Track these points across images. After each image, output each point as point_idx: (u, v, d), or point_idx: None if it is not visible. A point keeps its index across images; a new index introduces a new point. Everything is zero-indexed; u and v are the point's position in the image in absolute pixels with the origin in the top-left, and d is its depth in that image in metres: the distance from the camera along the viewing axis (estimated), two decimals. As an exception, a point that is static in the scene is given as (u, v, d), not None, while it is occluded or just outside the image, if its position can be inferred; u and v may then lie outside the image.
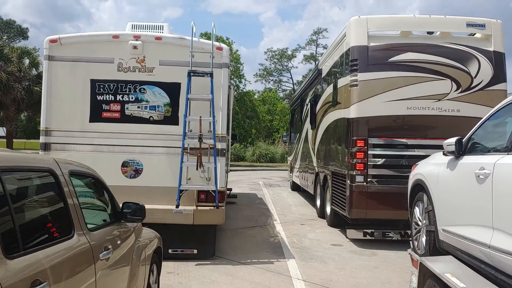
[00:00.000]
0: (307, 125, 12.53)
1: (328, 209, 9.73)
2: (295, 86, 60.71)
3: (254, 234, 8.40)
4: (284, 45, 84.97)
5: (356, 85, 7.48)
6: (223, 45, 6.61)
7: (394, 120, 7.46)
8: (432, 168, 4.63)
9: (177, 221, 6.33)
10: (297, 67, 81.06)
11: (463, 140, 4.11)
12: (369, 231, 7.76)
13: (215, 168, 6.17)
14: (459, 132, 7.58)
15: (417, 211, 5.06)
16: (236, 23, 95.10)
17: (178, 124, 6.43)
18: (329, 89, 9.34)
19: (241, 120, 34.13)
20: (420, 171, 4.95)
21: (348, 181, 7.55)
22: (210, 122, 6.27)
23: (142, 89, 6.49)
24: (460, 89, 7.36)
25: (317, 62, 11.40)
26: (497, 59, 7.42)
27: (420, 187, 4.88)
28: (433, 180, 4.49)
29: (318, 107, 10.66)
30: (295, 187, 16.54)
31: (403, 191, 7.34)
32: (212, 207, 6.28)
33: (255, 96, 44.70)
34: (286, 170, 27.17)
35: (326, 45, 58.98)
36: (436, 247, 4.46)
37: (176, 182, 6.17)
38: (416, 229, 5.11)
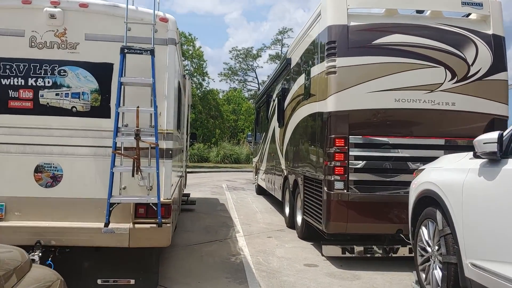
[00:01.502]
0: (274, 123, 11.22)
1: (299, 219, 8.43)
2: (260, 86, 59.62)
3: (212, 251, 6.98)
4: (250, 45, 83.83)
5: (334, 72, 6.20)
6: (169, 15, 5.16)
7: (380, 114, 6.23)
8: (451, 176, 3.40)
9: (108, 243, 4.85)
10: (262, 67, 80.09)
11: (504, 136, 2.84)
12: (348, 247, 6.49)
13: (157, 173, 4.72)
14: (456, 130, 6.44)
15: (424, 232, 3.82)
16: (201, 23, 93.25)
17: (110, 117, 4.94)
18: (300, 80, 8.05)
19: (204, 120, 32.53)
20: (431, 179, 3.71)
21: (325, 188, 6.26)
22: (151, 114, 4.82)
23: (62, 71, 4.96)
24: (456, 79, 6.21)
25: (285, 52, 10.12)
26: (496, 44, 6.32)
27: (430, 200, 3.65)
28: (454, 192, 3.25)
29: (287, 102, 9.37)
30: (260, 190, 15.24)
31: (390, 200, 6.16)
32: (154, 225, 4.83)
33: (220, 96, 43.22)
34: (251, 172, 25.97)
35: (287, 50, 58.23)
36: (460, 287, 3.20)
37: (107, 193, 4.70)
38: (423, 256, 3.85)
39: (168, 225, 4.92)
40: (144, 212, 4.90)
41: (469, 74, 6.21)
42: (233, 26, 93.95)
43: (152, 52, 4.79)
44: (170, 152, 5.03)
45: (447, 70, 6.18)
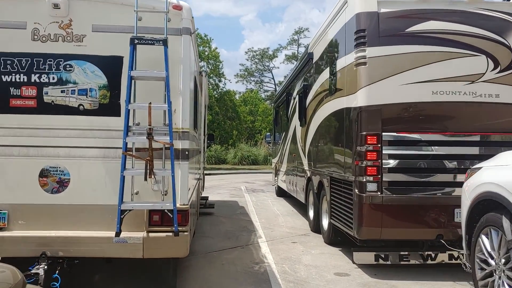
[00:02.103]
0: (295, 121, 10.69)
1: (325, 223, 7.89)
2: (277, 86, 59.13)
3: (234, 259, 6.49)
4: (265, 47, 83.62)
5: (365, 64, 5.66)
6: (182, 2, 4.70)
7: (416, 108, 5.66)
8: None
9: (120, 254, 4.41)
10: (278, 68, 79.65)
11: None
12: (382, 253, 5.93)
13: (173, 176, 4.25)
14: (500, 124, 5.84)
15: (485, 242, 3.28)
16: (216, 25, 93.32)
17: (120, 115, 4.51)
18: (325, 75, 7.52)
19: (221, 121, 32.19)
20: (491, 179, 3.16)
21: (356, 190, 5.71)
22: (164, 111, 4.36)
23: (68, 65, 4.55)
24: (499, 68, 5.60)
25: (306, 46, 9.60)
26: (545, 28, 5.69)
27: (492, 204, 3.08)
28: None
29: (309, 99, 8.83)
30: (281, 192, 14.72)
31: (428, 203, 5.59)
32: (170, 233, 4.36)
33: (236, 97, 42.86)
34: (270, 173, 25.42)
35: (308, 45, 57.61)
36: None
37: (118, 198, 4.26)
38: (483, 270, 3.30)
39: (185, 233, 4.45)
40: (159, 220, 4.44)
41: (515, 63, 5.60)
42: (249, 27, 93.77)
43: (165, 42, 4.33)
44: (187, 152, 4.56)
45: (489, 59, 5.58)
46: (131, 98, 4.32)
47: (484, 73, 5.57)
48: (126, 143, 4.25)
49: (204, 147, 11.12)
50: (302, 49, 57.71)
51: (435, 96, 5.58)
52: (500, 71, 5.58)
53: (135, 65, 4.37)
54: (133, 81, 4.35)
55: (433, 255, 5.89)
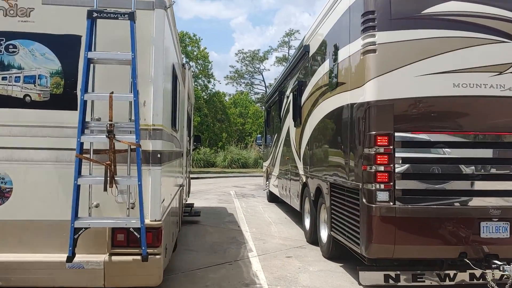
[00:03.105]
0: (289, 122, 9.84)
1: (323, 235, 7.02)
2: (267, 88, 58.38)
3: (220, 279, 5.59)
4: (256, 49, 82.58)
5: (374, 51, 4.82)
6: (156, -31, 3.81)
7: (434, 104, 4.81)
8: None
9: (76, 282, 3.51)
10: (269, 70, 78.79)
11: None
12: (392, 273, 5.06)
13: (140, 186, 3.35)
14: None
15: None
16: (206, 28, 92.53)
17: (77, 109, 3.60)
18: (324, 68, 6.67)
19: (211, 123, 31.22)
20: None
21: (364, 200, 4.85)
22: (130, 103, 3.46)
23: (11, 46, 3.64)
24: (531, 57, 4.79)
25: (302, 39, 8.76)
26: None
27: None
28: None
29: (306, 97, 7.98)
30: (272, 198, 13.85)
31: (450, 215, 4.75)
32: (138, 257, 3.46)
33: (226, 99, 41.96)
34: (261, 176, 24.50)
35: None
36: None
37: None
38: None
39: (157, 257, 3.56)
40: (125, 240, 3.55)
41: (548, 51, 4.80)
42: (239, 30, 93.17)
43: (131, 16, 3.44)
44: (159, 155, 3.66)
45: (519, 46, 4.77)
46: (88, 86, 3.42)
47: (513, 63, 4.75)
48: (81, 143, 3.36)
49: (189, 150, 10.21)
50: (293, 52, 57.15)
51: (457, 90, 4.74)
52: (532, 61, 4.77)
53: (94, 45, 3.47)
54: (91, 64, 3.44)
55: (451, 275, 5.04)
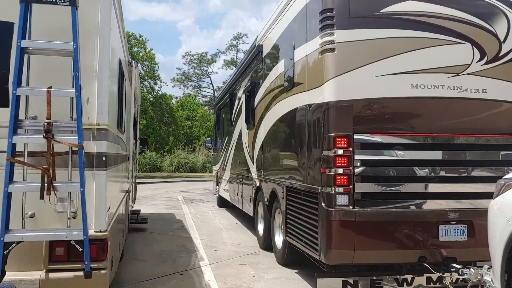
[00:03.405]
0: (241, 124, 9.60)
1: (278, 240, 6.82)
2: (215, 92, 57.96)
3: (170, 291, 5.23)
4: (204, 51, 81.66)
5: (333, 50, 4.67)
6: (101, -50, 3.43)
7: (393, 105, 4.74)
8: None
9: (5, 305, 3.03)
10: (217, 73, 78.44)
11: None
12: (351, 279, 4.92)
13: (82, 192, 2.96)
14: (487, 124, 5.05)
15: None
16: (153, 30, 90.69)
17: (9, 105, 3.14)
18: (278, 68, 6.48)
19: (157, 126, 30.35)
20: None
21: (323, 204, 4.68)
22: (72, 99, 3.06)
23: None
24: (485, 59, 4.84)
25: (255, 39, 8.56)
26: (531, 17, 5.02)
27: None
28: None
29: (259, 98, 7.77)
30: (222, 203, 13.52)
31: (410, 218, 4.68)
32: (80, 272, 3.05)
33: (173, 101, 41.07)
34: (209, 181, 24.02)
35: (246, 50, 57.28)
36: None
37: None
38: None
39: (103, 271, 3.17)
40: (64, 254, 3.13)
41: (501, 54, 4.87)
42: (186, 33, 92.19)
43: (73, 1, 3.04)
44: (104, 158, 3.27)
45: (474, 48, 4.80)
46: (22, 79, 2.98)
47: (469, 64, 4.77)
48: (14, 145, 2.91)
49: (135, 153, 9.70)
50: (241, 55, 57.14)
51: (415, 91, 4.69)
52: (486, 62, 4.81)
53: (29, 34, 3.04)
54: (25, 55, 3.01)
55: (409, 279, 4.96)
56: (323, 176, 4.69)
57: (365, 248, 4.60)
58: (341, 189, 4.57)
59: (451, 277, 4.61)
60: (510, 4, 4.97)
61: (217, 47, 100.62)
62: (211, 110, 56.12)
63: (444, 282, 4.72)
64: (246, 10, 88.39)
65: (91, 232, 3.05)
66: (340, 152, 4.58)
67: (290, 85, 5.84)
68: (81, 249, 2.91)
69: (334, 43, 4.65)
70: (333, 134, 4.59)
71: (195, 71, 57.42)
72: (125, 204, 6.03)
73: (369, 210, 4.59)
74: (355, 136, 4.61)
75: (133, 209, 9.70)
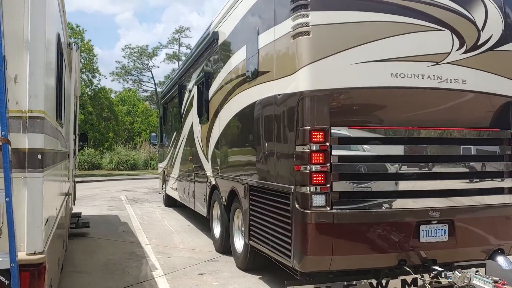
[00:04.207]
0: (192, 118, 8.93)
1: (238, 244, 6.27)
2: (157, 86, 56.20)
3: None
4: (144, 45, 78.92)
5: (307, 33, 4.16)
6: None
7: (372, 96, 4.32)
8: None
9: None
10: (158, 67, 76.22)
11: None
12: (323, 285, 4.46)
13: (8, 203, 2.23)
14: (470, 118, 4.75)
15: None
16: (90, 22, 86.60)
17: None
18: (239, 56, 5.90)
19: (95, 122, 28.63)
20: None
21: (297, 205, 4.17)
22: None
23: None
24: (465, 47, 4.54)
25: (209, 26, 7.90)
26: (506, 6, 4.80)
27: None
28: None
29: (214, 90, 7.15)
30: (170, 202, 12.76)
31: (391, 219, 4.30)
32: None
33: (112, 96, 39.13)
34: (153, 179, 22.97)
35: (189, 44, 56.09)
36: None
37: None
38: None
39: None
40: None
41: (480, 42, 4.59)
42: (125, 26, 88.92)
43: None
44: (40, 156, 2.54)
45: (454, 36, 4.49)
46: None
47: (449, 53, 4.45)
48: None
49: (75, 150, 8.74)
50: (183, 49, 55.79)
51: (395, 80, 4.30)
52: (466, 51, 4.51)
53: None
54: None
55: (384, 283, 4.60)
56: (297, 174, 4.18)
57: (343, 253, 4.16)
58: (317, 189, 4.09)
59: (430, 280, 4.28)
60: (487, -10, 4.71)
61: (157, 41, 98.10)
62: (152, 106, 54.39)
63: (423, 282, 4.39)
64: (187, 4, 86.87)
65: (22, 255, 2.32)
66: (316, 147, 4.10)
67: (253, 74, 5.29)
68: (6, 282, 2.18)
69: (308, 26, 4.15)
70: (308, 127, 4.09)
71: (135, 64, 55.30)
72: (65, 209, 5.20)
73: (347, 211, 4.15)
74: (332, 130, 4.15)
75: (73, 212, 8.73)
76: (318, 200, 4.09)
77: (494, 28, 4.66)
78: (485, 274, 4.36)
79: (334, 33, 4.20)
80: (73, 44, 5.59)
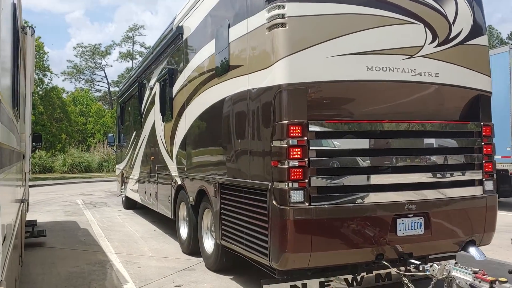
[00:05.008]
0: (154, 117, 8.64)
1: (208, 244, 6.09)
2: (110, 86, 54.67)
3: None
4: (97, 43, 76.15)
5: (283, 25, 4.04)
6: None
7: (348, 89, 4.27)
8: None
9: None
10: (112, 66, 74.02)
11: None
12: (299, 283, 4.37)
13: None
14: (443, 110, 4.78)
15: None
16: (38, 21, 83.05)
17: None
18: (207, 51, 5.70)
19: (47, 123, 27.33)
20: None
21: (274, 202, 4.05)
22: None
23: None
24: (437, 41, 4.57)
25: (172, 21, 7.63)
26: (475, 0, 4.89)
27: None
28: None
29: (179, 87, 6.91)
30: (130, 204, 12.34)
31: (368, 213, 4.26)
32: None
33: (64, 95, 37.58)
34: (109, 181, 22.23)
35: (143, 43, 54.82)
36: None
37: None
38: None
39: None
40: None
41: (451, 36, 4.64)
42: (75, 26, 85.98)
43: None
44: None
45: (427, 29, 4.51)
46: None
47: (422, 46, 4.46)
48: None
49: (29, 152, 8.19)
50: (137, 47, 54.57)
51: (371, 73, 4.26)
52: (438, 45, 4.54)
53: None
54: None
55: (358, 278, 4.58)
56: (274, 170, 4.06)
57: (322, 250, 4.08)
58: (295, 184, 3.98)
59: (405, 273, 4.28)
60: (456, -15, 4.77)
61: (109, 40, 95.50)
62: (106, 106, 52.77)
63: (399, 276, 4.37)
64: (140, 3, 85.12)
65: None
66: (294, 142, 3.99)
67: (224, 68, 5.11)
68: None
69: (285, 17, 4.03)
70: (286, 121, 3.98)
71: (87, 64, 53.70)
72: (21, 219, 4.76)
73: (326, 206, 4.07)
74: (310, 124, 4.06)
75: (27, 219, 8.16)
76: (297, 196, 3.99)
77: (464, 22, 4.73)
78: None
79: (311, 25, 4.11)
80: (28, 28, 5.05)
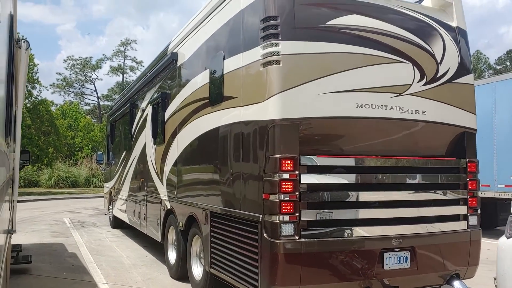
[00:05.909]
0: (145, 138, 8.68)
1: (197, 271, 6.10)
2: (100, 100, 54.48)
3: None
4: (88, 56, 76.17)
5: (277, 62, 4.17)
6: None
7: (339, 125, 4.40)
8: None
9: None
10: (102, 80, 74.00)
11: None
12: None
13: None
14: (429, 147, 4.95)
15: None
16: (28, 33, 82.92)
17: None
18: (202, 79, 5.81)
19: (34, 136, 27.07)
20: None
21: (265, 235, 4.12)
22: None
23: None
24: (425, 80, 4.74)
25: (167, 45, 7.74)
26: (462, 40, 5.09)
27: None
28: None
29: (172, 111, 6.99)
30: (117, 223, 12.24)
31: (357, 247, 4.35)
32: None
33: (53, 109, 37.33)
34: (96, 197, 22.02)
35: (135, 57, 54.95)
36: None
37: None
38: None
39: None
40: None
41: (438, 75, 4.82)
42: (66, 38, 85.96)
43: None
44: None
45: (415, 68, 4.68)
46: None
47: (411, 85, 4.63)
48: None
49: (17, 175, 7.97)
50: (128, 62, 54.70)
51: (360, 110, 4.40)
52: (426, 83, 4.72)
53: None
54: None
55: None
56: (266, 202, 4.14)
57: (311, 283, 4.14)
58: (286, 218, 4.07)
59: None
60: (444, 25, 4.98)
61: (100, 54, 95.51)
62: (94, 119, 52.50)
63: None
64: (132, 18, 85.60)
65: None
66: (286, 176, 4.08)
67: (217, 98, 5.21)
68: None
69: (279, 55, 4.17)
70: (278, 155, 4.08)
71: (77, 77, 53.50)
72: (7, 252, 4.56)
73: (315, 239, 4.15)
74: (301, 158, 4.16)
75: (12, 243, 7.79)
76: (287, 229, 4.07)
77: (452, 61, 4.92)
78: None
79: (303, 63, 4.24)
80: (22, 41, 4.64)
